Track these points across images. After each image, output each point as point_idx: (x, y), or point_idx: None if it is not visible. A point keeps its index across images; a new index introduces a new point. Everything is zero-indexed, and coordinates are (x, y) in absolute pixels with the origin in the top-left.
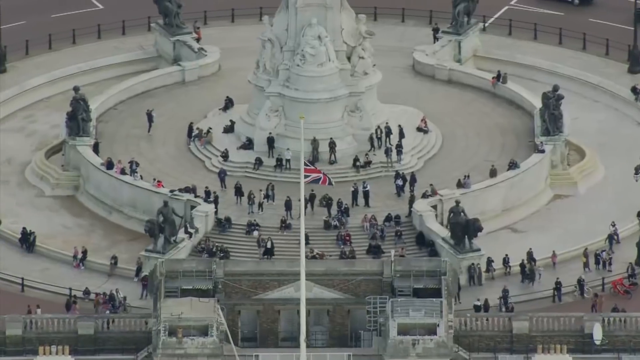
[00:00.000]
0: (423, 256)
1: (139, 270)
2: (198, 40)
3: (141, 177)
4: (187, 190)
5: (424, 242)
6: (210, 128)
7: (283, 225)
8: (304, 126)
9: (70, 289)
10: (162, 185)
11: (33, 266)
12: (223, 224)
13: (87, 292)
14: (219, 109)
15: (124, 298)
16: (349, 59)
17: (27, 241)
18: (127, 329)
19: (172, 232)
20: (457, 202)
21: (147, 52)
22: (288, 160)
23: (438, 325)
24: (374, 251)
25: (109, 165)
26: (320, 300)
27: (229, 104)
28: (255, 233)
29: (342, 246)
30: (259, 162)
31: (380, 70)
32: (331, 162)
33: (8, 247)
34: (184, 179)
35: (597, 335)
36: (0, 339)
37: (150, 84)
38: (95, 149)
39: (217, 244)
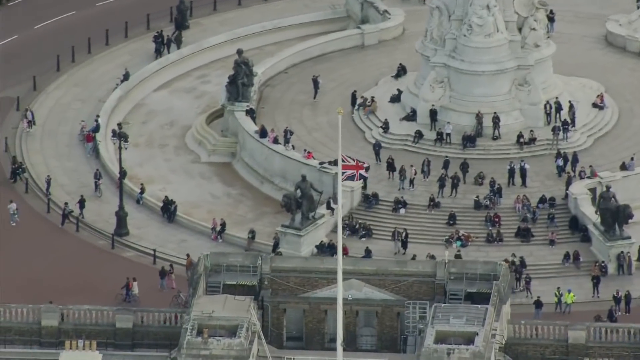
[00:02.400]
0: (575, 241)
1: (275, 246)
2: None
3: (293, 147)
4: (336, 163)
5: (577, 226)
6: (374, 97)
7: (431, 203)
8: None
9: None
10: (312, 157)
11: (170, 237)
12: (370, 200)
13: None
14: (392, 77)
15: None
16: (520, 30)
17: (168, 211)
18: (167, 323)
19: (310, 207)
20: (608, 187)
21: (337, 12)
22: (448, 135)
23: (477, 334)
24: (523, 234)
25: (262, 133)
26: (370, 301)
27: (401, 71)
28: (402, 211)
29: (489, 228)
30: (419, 135)
31: (571, 39)
32: (494, 138)
33: (149, 215)
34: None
35: None
36: (35, 330)
37: (327, 47)
38: (252, 114)
39: (360, 221)
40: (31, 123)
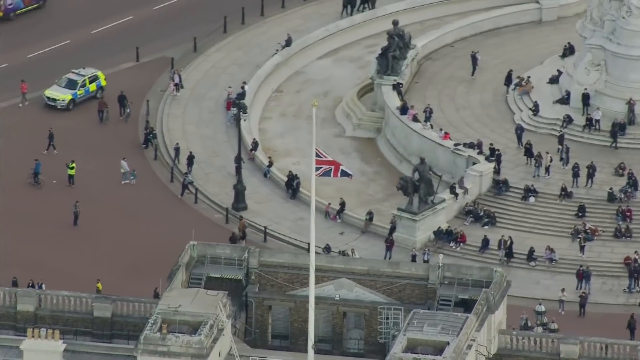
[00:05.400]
0: None
1: (392, 230)
2: None
3: (431, 127)
4: (471, 145)
5: None
6: (529, 77)
7: (563, 193)
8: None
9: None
10: (449, 138)
11: (289, 214)
12: (499, 186)
13: (327, 248)
14: (559, 56)
15: None
16: None
17: (291, 186)
18: (146, 314)
19: (428, 191)
20: None
21: None
22: (597, 121)
23: (448, 344)
24: None
25: (403, 109)
26: (359, 302)
27: (567, 51)
28: (532, 199)
29: (619, 222)
30: (568, 120)
31: None
32: None
33: (273, 190)
34: (483, 132)
35: None
36: (11, 314)
37: (500, 22)
38: (399, 89)
39: (485, 208)
40: (178, 86)
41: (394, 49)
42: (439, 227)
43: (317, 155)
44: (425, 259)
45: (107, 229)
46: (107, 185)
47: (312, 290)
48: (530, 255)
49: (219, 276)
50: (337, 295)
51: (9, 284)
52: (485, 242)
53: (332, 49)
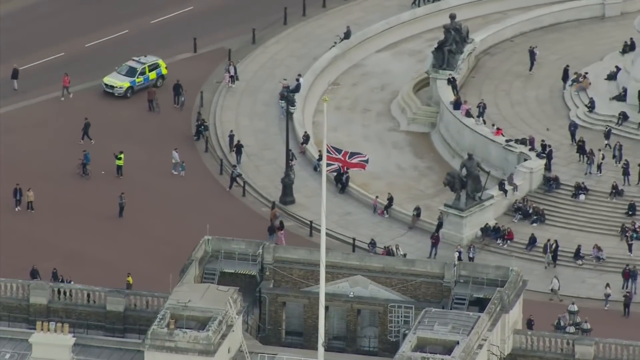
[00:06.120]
0: None
1: (439, 226)
2: None
3: (484, 122)
4: (523, 141)
5: None
6: (587, 73)
7: (614, 191)
8: None
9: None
10: (502, 134)
11: (336, 209)
12: (550, 183)
13: (372, 243)
14: (619, 52)
15: (404, 256)
16: None
17: (339, 181)
18: (159, 309)
19: (475, 187)
20: None
21: None
22: None
23: (458, 344)
24: None
25: (456, 104)
26: (373, 300)
27: (627, 47)
28: (582, 197)
29: None
30: (623, 117)
31: None
32: None
33: None
34: (537, 128)
35: None
36: (23, 307)
37: (561, 17)
38: (453, 84)
39: (534, 205)
40: (233, 78)
41: (450, 43)
42: (486, 224)
43: (327, 151)
44: (471, 256)
45: (153, 221)
46: (155, 176)
47: (322, 288)
48: (578, 254)
49: (233, 271)
50: (351, 293)
51: (49, 276)
52: (533, 239)
53: (392, 42)
